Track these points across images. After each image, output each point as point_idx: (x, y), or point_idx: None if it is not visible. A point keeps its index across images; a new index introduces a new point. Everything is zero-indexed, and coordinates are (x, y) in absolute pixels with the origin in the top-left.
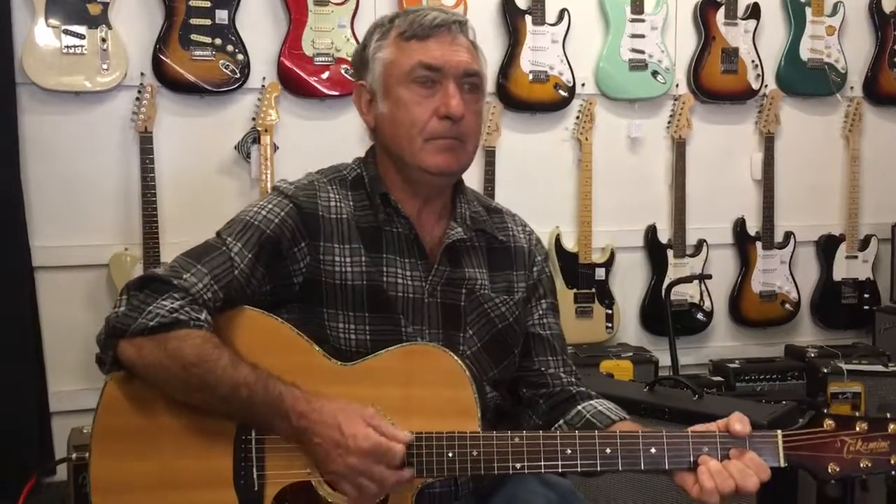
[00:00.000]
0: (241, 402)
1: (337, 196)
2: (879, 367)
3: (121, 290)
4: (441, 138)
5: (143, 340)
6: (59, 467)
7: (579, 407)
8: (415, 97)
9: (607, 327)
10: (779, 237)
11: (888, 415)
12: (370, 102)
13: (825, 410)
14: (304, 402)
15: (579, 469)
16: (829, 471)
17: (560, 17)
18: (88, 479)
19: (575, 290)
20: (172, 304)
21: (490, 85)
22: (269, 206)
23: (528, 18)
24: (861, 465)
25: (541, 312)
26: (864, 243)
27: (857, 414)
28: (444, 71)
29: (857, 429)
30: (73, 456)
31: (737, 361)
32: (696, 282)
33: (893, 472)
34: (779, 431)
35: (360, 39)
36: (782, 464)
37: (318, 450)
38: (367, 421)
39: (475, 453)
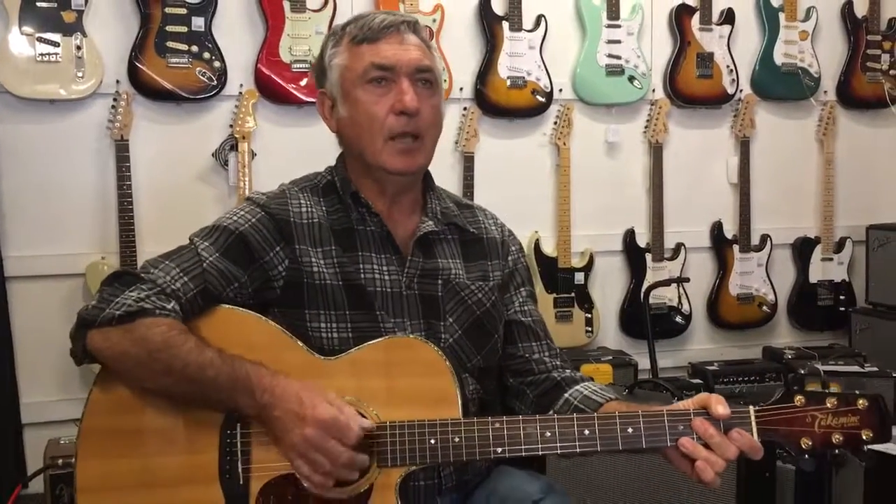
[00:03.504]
0: (206, 382)
1: (308, 203)
2: (856, 368)
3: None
4: (400, 135)
5: (110, 330)
6: (35, 480)
7: (566, 395)
8: (371, 97)
9: (587, 331)
10: (755, 240)
11: (857, 391)
12: (332, 108)
13: (795, 387)
14: (269, 377)
15: (559, 451)
16: (802, 445)
17: (537, 24)
18: (74, 480)
19: (554, 295)
20: (139, 294)
21: (468, 91)
22: (241, 212)
23: (506, 24)
24: (833, 439)
25: (521, 300)
26: (840, 245)
27: (826, 390)
28: (396, 69)
29: (828, 404)
30: (60, 461)
31: (715, 363)
32: (674, 285)
33: (865, 447)
34: (751, 408)
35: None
36: (756, 438)
37: (278, 423)
38: (328, 400)
39: (457, 439)
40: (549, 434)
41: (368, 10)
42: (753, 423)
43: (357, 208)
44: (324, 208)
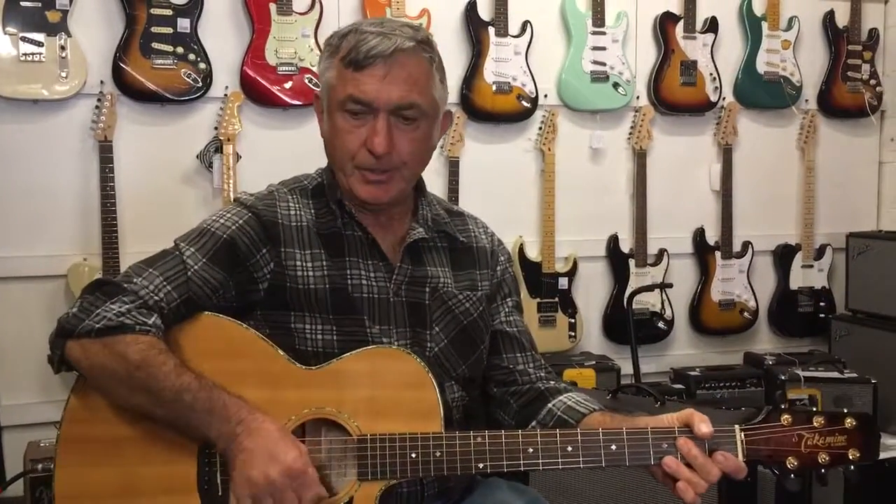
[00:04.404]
0: (182, 406)
1: (297, 205)
2: (835, 374)
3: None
4: (369, 170)
5: (89, 342)
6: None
7: (549, 405)
8: (346, 126)
9: (570, 336)
10: (737, 247)
11: (844, 409)
12: (322, 113)
13: (782, 406)
14: (248, 411)
15: (541, 467)
16: (788, 465)
17: (523, 29)
18: (52, 488)
19: (538, 300)
20: (121, 307)
21: (454, 96)
22: (228, 214)
23: (492, 30)
24: (819, 459)
25: (507, 310)
26: (820, 253)
27: (814, 409)
28: (373, 106)
29: (815, 423)
30: (40, 466)
31: (697, 369)
32: (657, 291)
33: (852, 467)
34: (737, 427)
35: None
36: (741, 458)
37: (244, 455)
38: (301, 452)
39: (438, 454)
40: (531, 450)
41: (369, 23)
42: (739, 443)
43: (342, 215)
44: (312, 211)
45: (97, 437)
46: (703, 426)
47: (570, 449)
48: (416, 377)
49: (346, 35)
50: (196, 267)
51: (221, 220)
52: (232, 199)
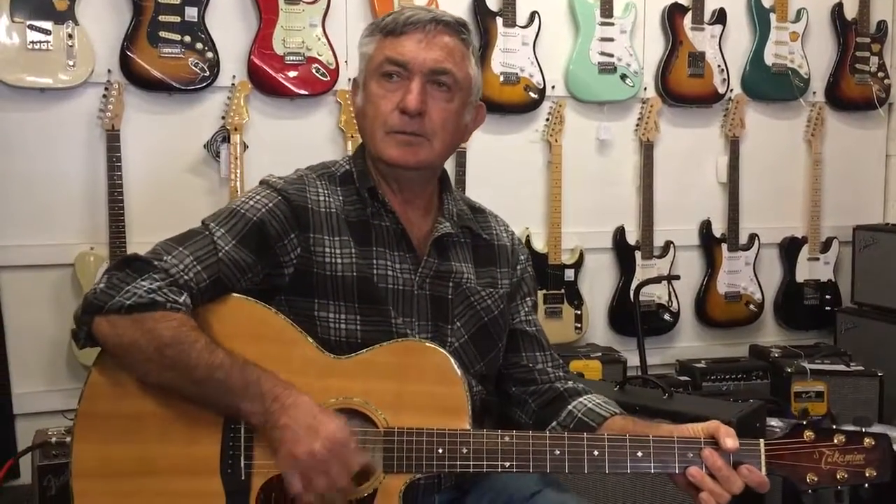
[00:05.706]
0: (215, 384)
1: (326, 191)
2: (841, 367)
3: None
4: (400, 132)
5: (118, 318)
6: (23, 471)
7: (570, 406)
8: (381, 91)
9: (576, 328)
10: (743, 239)
11: (863, 429)
12: (357, 93)
13: (804, 422)
14: (282, 387)
15: (567, 470)
16: (808, 480)
17: (531, 20)
18: (70, 464)
19: (544, 291)
20: (151, 284)
21: None
22: (257, 196)
23: (499, 20)
24: (838, 476)
25: (526, 310)
26: (826, 245)
27: (834, 427)
28: (409, 67)
29: (836, 441)
30: (56, 439)
31: (703, 361)
32: (663, 283)
33: (867, 485)
34: (761, 441)
35: (332, 39)
36: (764, 472)
37: (284, 432)
38: (343, 425)
39: (465, 451)
40: (558, 452)
41: (407, 6)
42: (762, 457)
43: (373, 203)
44: (340, 198)
45: (118, 414)
46: (730, 440)
47: (596, 454)
48: (445, 373)
49: (387, 16)
50: (227, 248)
51: (251, 203)
52: (239, 187)
